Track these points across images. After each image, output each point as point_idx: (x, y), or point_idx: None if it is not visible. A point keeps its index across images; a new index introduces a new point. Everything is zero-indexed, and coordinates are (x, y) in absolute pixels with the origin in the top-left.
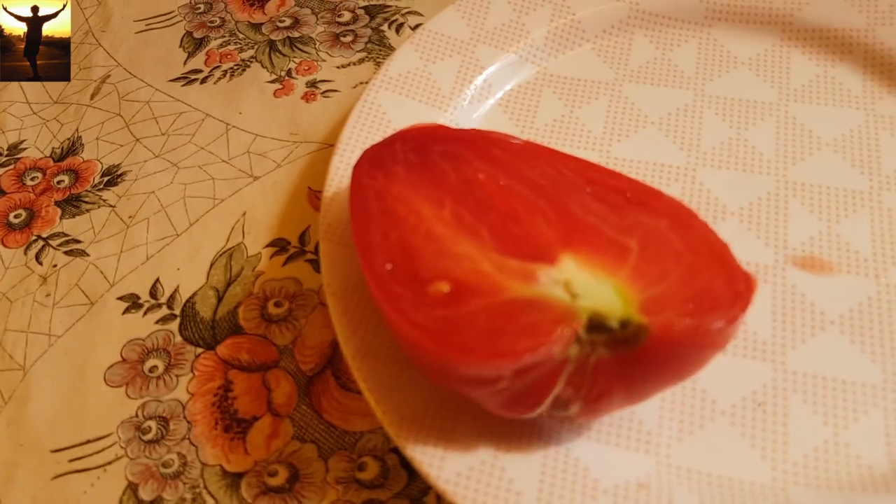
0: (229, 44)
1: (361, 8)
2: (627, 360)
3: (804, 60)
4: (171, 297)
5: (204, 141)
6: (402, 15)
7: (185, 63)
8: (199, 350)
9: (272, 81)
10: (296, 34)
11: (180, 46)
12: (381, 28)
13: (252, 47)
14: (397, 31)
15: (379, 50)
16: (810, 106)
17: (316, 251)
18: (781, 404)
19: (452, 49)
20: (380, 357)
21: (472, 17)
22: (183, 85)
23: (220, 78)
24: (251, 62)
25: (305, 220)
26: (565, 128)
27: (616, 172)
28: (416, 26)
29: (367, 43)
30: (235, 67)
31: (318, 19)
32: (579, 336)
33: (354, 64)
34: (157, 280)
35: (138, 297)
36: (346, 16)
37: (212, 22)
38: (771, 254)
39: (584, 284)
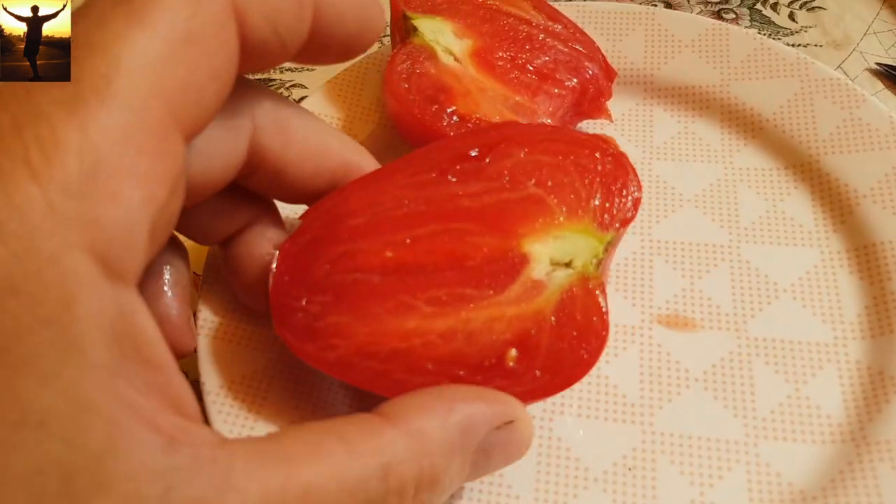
0: None
1: None
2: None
3: (666, 117)
4: None
5: None
6: (287, 88)
7: None
8: None
9: None
10: None
11: None
12: None
13: None
14: None
15: None
16: (673, 162)
17: None
18: (650, 467)
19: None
20: None
21: (347, 94)
22: None
23: None
24: None
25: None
26: None
27: (442, 141)
28: (301, 99)
29: None
30: None
31: None
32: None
33: None
34: None
35: None
36: None
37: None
38: (637, 314)
39: (562, 251)
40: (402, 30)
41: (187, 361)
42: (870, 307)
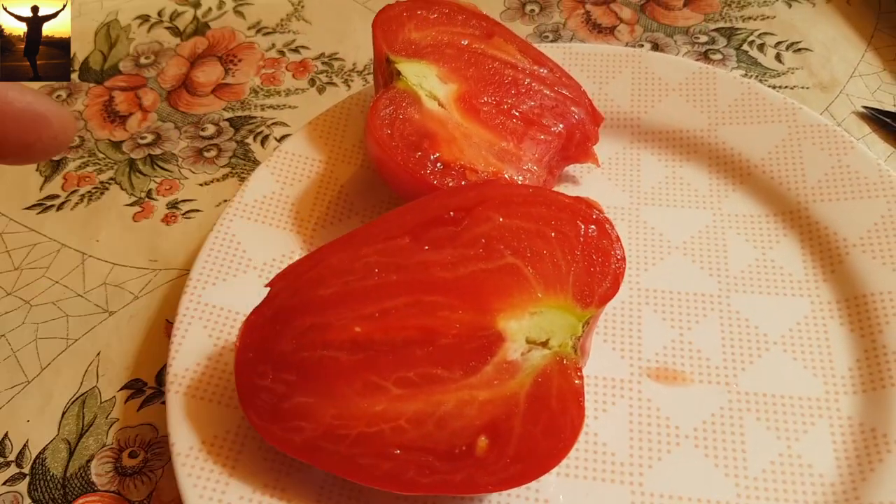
0: (88, 165)
1: (226, 120)
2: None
3: (654, 161)
4: (21, 454)
5: (59, 274)
6: (268, 126)
7: (41, 188)
8: None
9: (131, 204)
10: (157, 151)
11: (37, 170)
12: (246, 141)
13: (111, 167)
14: (262, 143)
15: (243, 164)
16: (661, 208)
17: None
18: None
19: (311, 169)
20: None
21: (329, 135)
22: (38, 213)
23: (77, 203)
24: (110, 184)
25: (162, 358)
26: None
27: (419, 201)
28: (282, 138)
29: (231, 157)
30: (94, 190)
31: (181, 134)
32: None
33: (218, 180)
34: (6, 435)
35: None
36: (210, 129)
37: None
38: (626, 367)
39: (539, 329)
40: (386, 74)
41: (158, 418)
42: (861, 360)
